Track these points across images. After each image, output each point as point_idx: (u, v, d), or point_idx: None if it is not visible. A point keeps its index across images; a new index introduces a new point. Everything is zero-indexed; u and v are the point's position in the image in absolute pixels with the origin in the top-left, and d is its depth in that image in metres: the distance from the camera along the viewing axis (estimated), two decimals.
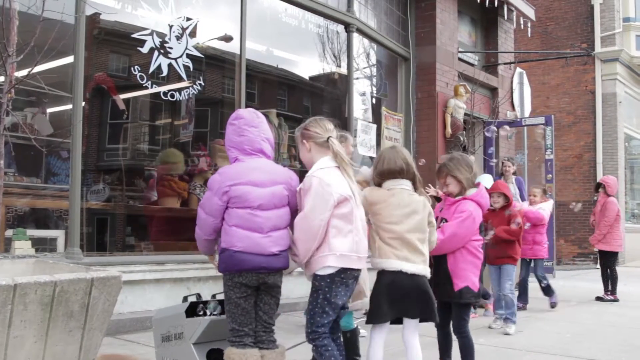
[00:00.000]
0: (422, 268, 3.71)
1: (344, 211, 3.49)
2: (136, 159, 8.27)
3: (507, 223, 6.62)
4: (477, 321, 7.02)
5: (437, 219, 4.19)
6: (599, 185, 9.88)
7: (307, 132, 3.71)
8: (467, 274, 4.18)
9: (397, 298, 3.66)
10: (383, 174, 3.85)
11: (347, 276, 3.51)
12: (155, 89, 6.95)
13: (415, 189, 3.83)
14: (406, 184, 3.83)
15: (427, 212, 3.81)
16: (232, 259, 3.45)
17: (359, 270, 3.61)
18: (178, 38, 6.93)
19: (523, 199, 9.95)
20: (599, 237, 9.45)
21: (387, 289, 3.67)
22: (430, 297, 3.72)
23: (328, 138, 3.65)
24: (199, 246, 3.79)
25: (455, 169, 4.35)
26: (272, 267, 3.53)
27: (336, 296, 3.48)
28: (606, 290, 9.29)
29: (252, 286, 3.50)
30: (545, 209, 8.25)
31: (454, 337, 4.49)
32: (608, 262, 9.41)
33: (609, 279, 9.32)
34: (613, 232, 9.38)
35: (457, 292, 4.17)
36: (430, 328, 6.59)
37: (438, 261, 4.18)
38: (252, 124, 3.69)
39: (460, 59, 11.18)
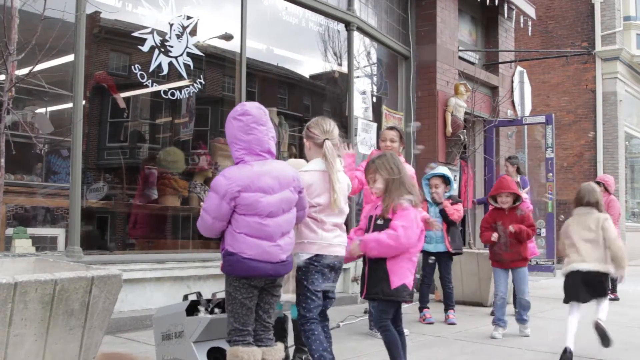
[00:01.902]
0: (591, 265, 5.29)
1: (312, 212, 3.89)
2: (136, 157, 8.27)
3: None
4: (476, 322, 7.02)
5: (371, 218, 4.26)
6: (597, 184, 9.84)
7: (308, 132, 4.07)
8: (406, 272, 4.13)
9: (576, 287, 5.48)
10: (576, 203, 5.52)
11: (321, 265, 3.89)
12: (156, 88, 6.95)
13: (599, 211, 5.36)
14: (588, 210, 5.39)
15: (600, 226, 5.29)
16: (241, 265, 3.43)
17: (333, 258, 3.94)
18: (178, 36, 6.93)
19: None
20: None
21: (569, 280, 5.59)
22: (598, 283, 5.41)
23: (324, 140, 3.96)
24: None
25: (382, 167, 4.29)
26: (279, 274, 3.59)
27: (313, 283, 3.87)
28: None
29: (258, 287, 3.53)
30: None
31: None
32: None
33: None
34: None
35: (394, 290, 4.07)
36: (431, 327, 6.60)
37: (376, 260, 4.10)
38: (260, 122, 3.60)
39: (460, 58, 11.18)
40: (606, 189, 9.55)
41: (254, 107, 3.65)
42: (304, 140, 4.12)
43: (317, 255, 3.89)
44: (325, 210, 3.92)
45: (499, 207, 6.31)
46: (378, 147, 6.29)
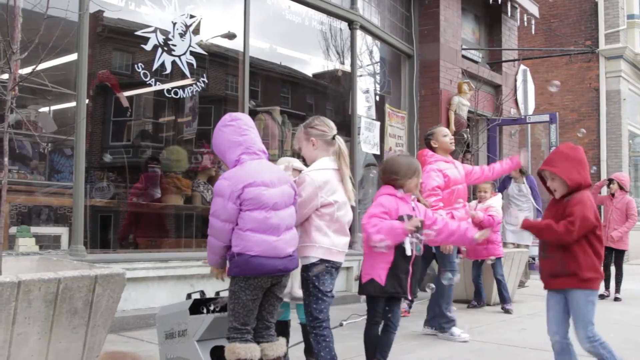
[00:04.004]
0: None
1: (325, 212, 3.82)
2: (139, 156, 8.28)
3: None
4: (479, 321, 7.02)
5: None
6: (609, 182, 9.60)
7: (314, 130, 3.98)
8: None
9: None
10: None
11: (331, 266, 3.84)
12: (159, 87, 6.96)
13: None
14: None
15: None
16: (248, 264, 3.42)
17: (340, 262, 3.92)
18: (181, 35, 6.93)
19: (535, 198, 9.86)
20: (621, 235, 9.04)
21: None
22: None
23: (334, 136, 3.93)
24: (213, 258, 3.66)
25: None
26: (288, 269, 3.60)
27: (324, 284, 3.81)
28: (607, 287, 9.18)
29: (265, 287, 3.53)
30: (494, 205, 7.73)
31: None
32: (618, 260, 9.23)
33: (612, 278, 9.20)
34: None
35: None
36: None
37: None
38: (250, 125, 3.72)
39: (463, 56, 11.16)
40: (621, 188, 9.33)
41: (241, 114, 3.85)
42: (309, 139, 3.99)
43: (327, 260, 3.83)
44: (342, 208, 3.88)
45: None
46: (431, 147, 6.26)
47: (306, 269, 3.81)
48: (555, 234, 3.77)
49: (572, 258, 3.80)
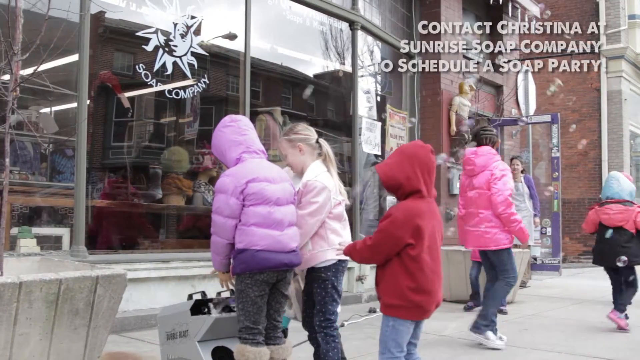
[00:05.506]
0: None
1: (337, 212, 3.88)
2: (141, 157, 8.28)
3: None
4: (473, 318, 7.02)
5: None
6: None
7: (299, 136, 4.01)
8: None
9: None
10: None
11: (344, 265, 3.90)
12: (160, 87, 6.96)
13: None
14: None
15: None
16: (254, 259, 3.43)
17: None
18: (183, 36, 6.93)
19: (533, 198, 9.87)
20: None
21: None
22: None
23: (317, 139, 4.00)
24: (217, 259, 3.64)
25: None
26: (293, 264, 3.62)
27: (340, 283, 3.89)
28: None
29: (271, 283, 3.54)
30: None
31: None
32: None
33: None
34: None
35: None
36: (436, 326, 6.60)
37: None
38: (249, 126, 3.79)
39: (465, 57, 11.16)
40: None
41: (241, 116, 3.91)
42: (295, 145, 3.96)
43: (341, 259, 3.86)
44: (344, 206, 3.96)
45: None
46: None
47: (326, 270, 3.81)
48: (358, 255, 3.38)
49: (380, 279, 3.27)
